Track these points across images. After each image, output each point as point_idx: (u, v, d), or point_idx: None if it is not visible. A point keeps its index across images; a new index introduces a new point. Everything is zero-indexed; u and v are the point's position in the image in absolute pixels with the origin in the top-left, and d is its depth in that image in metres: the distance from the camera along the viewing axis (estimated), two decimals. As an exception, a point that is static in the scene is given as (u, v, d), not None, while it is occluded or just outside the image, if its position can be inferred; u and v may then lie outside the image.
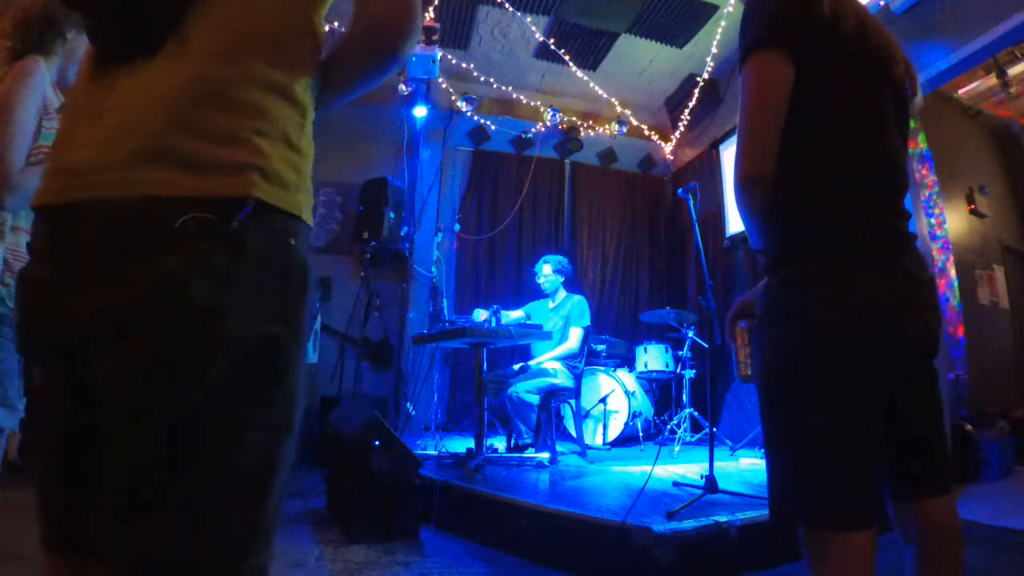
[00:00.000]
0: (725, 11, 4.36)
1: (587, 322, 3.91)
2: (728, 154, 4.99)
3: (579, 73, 5.05)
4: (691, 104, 5.24)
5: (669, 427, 4.26)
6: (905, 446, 1.03)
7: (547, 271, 4.08)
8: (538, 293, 4.23)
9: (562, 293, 4.09)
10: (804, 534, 0.96)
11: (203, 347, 0.60)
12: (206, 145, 0.63)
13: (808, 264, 0.99)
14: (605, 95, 5.30)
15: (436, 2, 4.31)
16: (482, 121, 5.39)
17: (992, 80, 4.50)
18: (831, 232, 0.99)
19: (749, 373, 1.11)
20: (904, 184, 1.07)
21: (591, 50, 4.97)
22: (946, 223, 3.99)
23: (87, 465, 0.64)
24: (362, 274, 4.97)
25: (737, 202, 1.04)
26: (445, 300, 3.93)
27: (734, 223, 4.80)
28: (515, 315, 3.92)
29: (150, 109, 0.63)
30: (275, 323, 0.65)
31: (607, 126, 5.62)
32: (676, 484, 2.76)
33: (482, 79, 5.11)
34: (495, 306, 3.46)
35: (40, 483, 0.68)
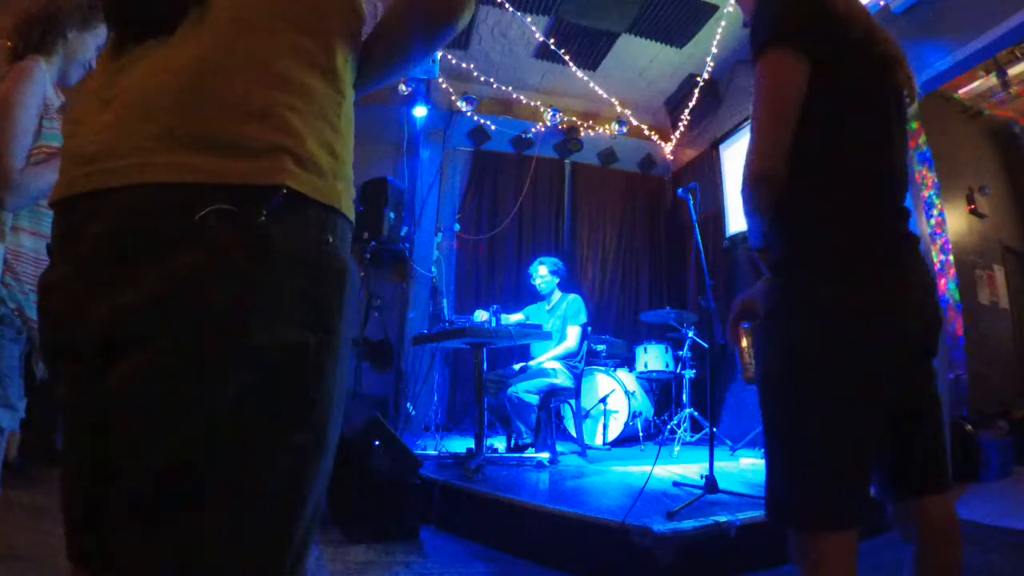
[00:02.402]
0: (725, 11, 4.36)
1: (584, 319, 3.92)
2: (728, 154, 4.98)
3: (579, 73, 5.05)
4: (691, 104, 5.24)
5: (669, 427, 4.26)
6: (905, 445, 1.04)
7: (543, 272, 4.08)
8: (536, 296, 4.23)
9: (557, 294, 4.10)
10: (792, 532, 0.97)
11: (221, 358, 0.53)
12: (230, 122, 0.55)
13: (815, 266, 1.00)
14: (605, 95, 5.30)
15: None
16: (482, 121, 5.39)
17: (992, 80, 4.49)
18: (839, 235, 0.99)
19: (754, 375, 1.11)
20: (905, 184, 1.08)
21: (591, 50, 4.97)
22: (946, 223, 3.98)
23: (107, 478, 0.57)
24: (362, 274, 4.97)
25: (745, 199, 1.03)
26: (445, 300, 3.94)
27: (734, 223, 4.80)
28: (515, 318, 3.93)
29: (166, 86, 0.56)
30: (305, 331, 0.57)
31: (607, 126, 5.62)
32: (676, 484, 2.75)
33: (482, 79, 5.11)
34: (495, 306, 3.46)
35: (64, 494, 0.63)
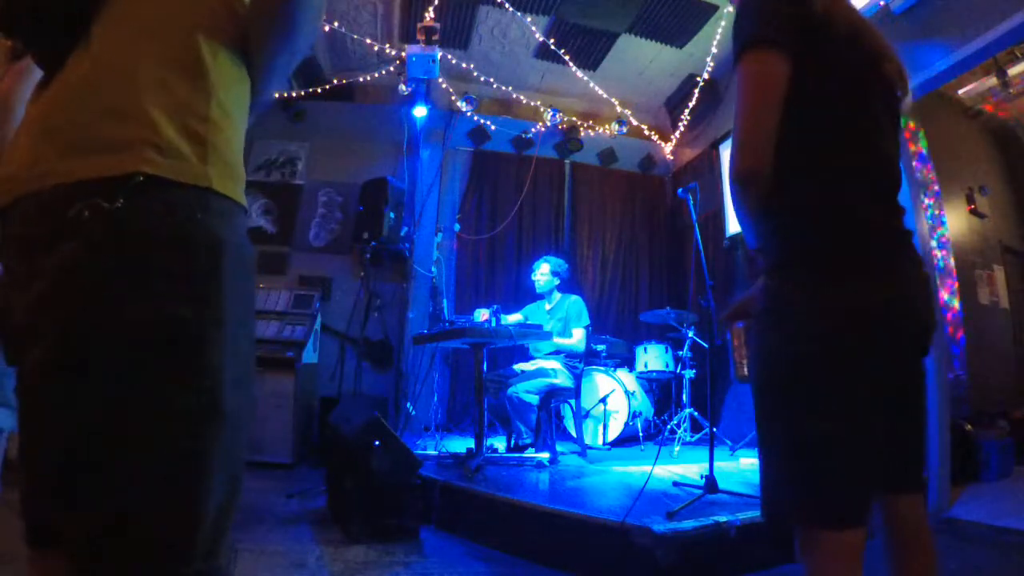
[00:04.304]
0: (725, 11, 4.36)
1: (587, 321, 3.92)
2: (728, 154, 4.99)
3: (579, 73, 5.04)
4: (691, 104, 5.23)
5: (669, 427, 4.26)
6: (890, 443, 1.04)
7: (544, 270, 4.08)
8: (536, 295, 4.23)
9: (557, 295, 4.10)
10: (798, 532, 0.97)
11: (95, 337, 0.59)
12: (101, 126, 0.63)
13: (809, 268, 0.99)
14: (605, 95, 5.30)
15: (436, 2, 4.30)
16: (482, 121, 5.39)
17: (992, 80, 4.49)
18: (831, 236, 0.99)
19: (747, 374, 1.11)
20: (898, 181, 1.08)
21: (591, 50, 4.97)
22: (946, 223, 3.99)
23: (33, 458, 0.64)
24: (362, 274, 4.98)
25: (733, 200, 1.03)
26: (445, 300, 3.93)
27: (734, 223, 4.80)
28: (513, 319, 3.93)
29: (58, 104, 0.66)
30: (178, 303, 0.62)
31: (607, 126, 5.62)
32: (676, 484, 2.75)
33: (482, 79, 5.11)
34: (496, 306, 3.46)
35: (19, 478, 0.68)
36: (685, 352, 4.34)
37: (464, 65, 5.00)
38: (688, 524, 2.09)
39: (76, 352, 0.59)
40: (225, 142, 0.71)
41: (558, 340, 3.82)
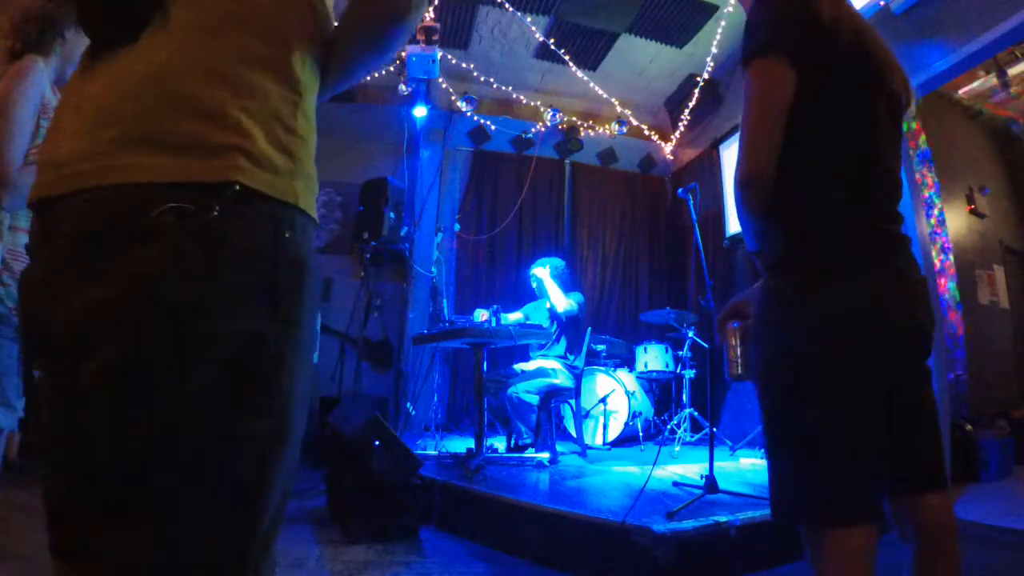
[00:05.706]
0: (725, 11, 4.36)
1: (581, 299, 3.95)
2: (728, 154, 4.98)
3: (579, 73, 5.05)
4: (691, 104, 5.24)
5: (669, 427, 4.26)
6: (900, 444, 1.04)
7: (539, 273, 4.06)
8: (535, 295, 4.23)
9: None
10: (805, 532, 0.97)
11: (177, 350, 0.55)
12: (186, 123, 0.58)
13: (807, 267, 1.01)
14: (605, 95, 5.30)
15: (436, 2, 4.30)
16: (482, 121, 5.40)
17: (992, 80, 4.49)
18: (829, 236, 1.01)
19: (739, 372, 1.13)
20: (898, 191, 1.10)
21: (591, 50, 4.97)
22: (946, 223, 3.98)
23: (81, 469, 0.58)
24: (362, 274, 4.97)
25: (737, 203, 1.05)
26: (445, 300, 3.93)
27: (734, 223, 4.81)
28: (514, 317, 3.92)
29: (128, 91, 0.59)
30: (261, 321, 0.59)
31: (607, 126, 5.62)
32: (676, 484, 2.75)
33: (482, 79, 5.11)
34: (495, 306, 3.46)
35: (44, 488, 0.63)
36: (685, 352, 4.34)
37: (464, 65, 5.00)
38: (688, 524, 2.09)
39: (148, 364, 0.55)
40: (308, 156, 0.67)
41: (554, 289, 3.83)
